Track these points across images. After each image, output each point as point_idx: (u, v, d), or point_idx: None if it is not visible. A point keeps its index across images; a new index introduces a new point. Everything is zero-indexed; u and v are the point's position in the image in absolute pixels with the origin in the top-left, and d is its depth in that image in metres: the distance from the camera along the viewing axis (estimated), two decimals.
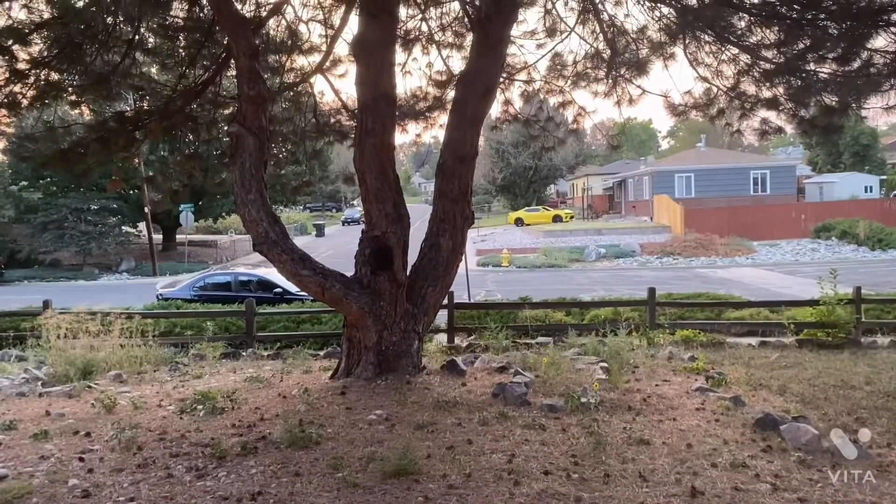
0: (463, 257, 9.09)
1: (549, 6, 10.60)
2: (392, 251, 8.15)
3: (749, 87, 9.36)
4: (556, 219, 52.23)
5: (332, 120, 12.14)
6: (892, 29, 7.13)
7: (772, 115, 9.43)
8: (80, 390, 8.21)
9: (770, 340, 11.35)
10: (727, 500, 4.60)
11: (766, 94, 9.12)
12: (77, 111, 11.72)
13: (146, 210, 33.17)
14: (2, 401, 7.96)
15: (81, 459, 5.61)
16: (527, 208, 56.09)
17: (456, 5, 11.16)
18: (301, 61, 11.70)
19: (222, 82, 10.88)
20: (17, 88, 8.81)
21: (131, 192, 35.89)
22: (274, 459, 5.51)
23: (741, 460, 5.33)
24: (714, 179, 44.86)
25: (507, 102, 12.32)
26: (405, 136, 12.65)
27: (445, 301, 10.88)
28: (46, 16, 8.36)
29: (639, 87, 10.35)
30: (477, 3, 9.51)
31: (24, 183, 35.84)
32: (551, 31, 10.81)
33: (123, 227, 37.47)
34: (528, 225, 50.39)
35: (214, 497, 4.77)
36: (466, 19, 10.66)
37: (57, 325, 9.50)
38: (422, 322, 8.59)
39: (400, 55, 11.15)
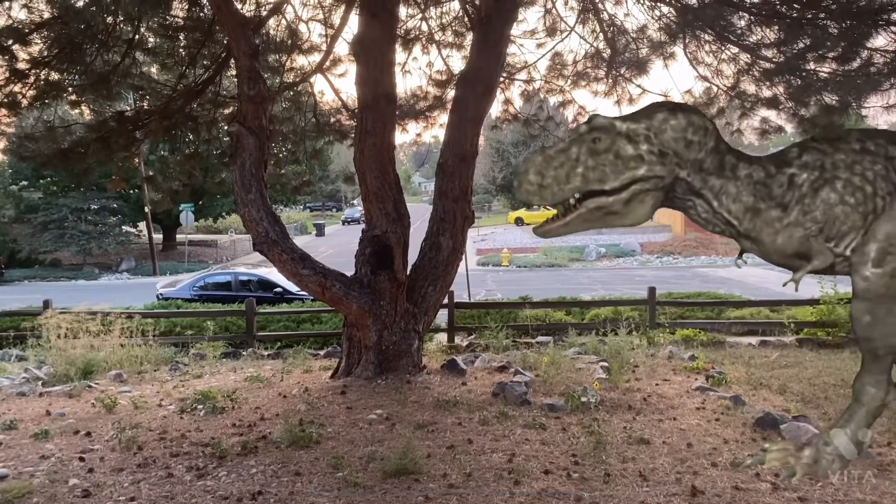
0: (463, 257, 9.09)
1: (549, 5, 10.60)
2: (392, 251, 8.15)
3: (749, 87, 9.36)
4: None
5: (333, 119, 12.15)
6: (893, 28, 7.12)
7: (772, 115, 9.43)
8: (81, 390, 8.21)
9: (770, 339, 11.36)
10: (727, 500, 4.60)
11: (766, 93, 9.12)
12: (77, 111, 11.72)
13: (146, 210, 33.17)
14: (2, 400, 7.96)
15: (82, 459, 5.61)
16: (527, 208, 56.06)
17: (456, 4, 11.17)
18: (301, 61, 11.71)
19: (222, 82, 10.88)
20: (17, 88, 8.81)
21: (131, 191, 35.89)
22: (274, 459, 5.51)
23: (742, 459, 5.33)
24: None
25: (508, 102, 12.33)
26: (405, 136, 12.68)
27: (445, 300, 10.89)
28: (46, 15, 8.37)
29: (639, 86, 10.36)
30: (477, 2, 9.51)
31: (25, 183, 35.86)
32: (551, 31, 10.81)
33: (124, 227, 37.48)
34: (529, 224, 50.38)
35: (215, 497, 4.77)
36: (466, 19, 10.67)
37: (57, 324, 9.50)
38: (422, 321, 8.59)
39: (400, 54, 11.16)
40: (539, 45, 11.09)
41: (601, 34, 10.25)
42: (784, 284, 2.89)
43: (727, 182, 2.83)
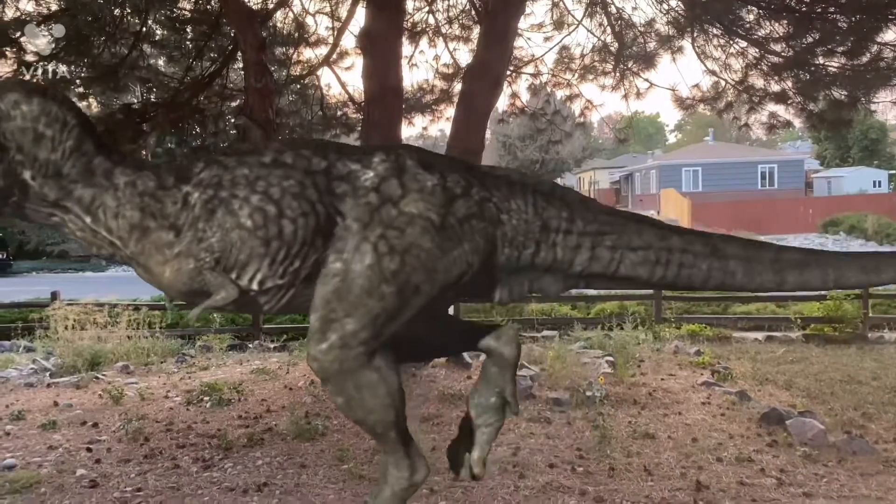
0: None
1: None
2: None
3: (757, 81, 9.33)
4: None
5: (339, 112, 12.15)
6: None
7: (780, 109, 9.42)
8: (88, 381, 8.25)
9: (776, 335, 11.32)
10: (732, 495, 4.60)
11: (775, 87, 9.09)
12: (84, 103, 11.75)
13: None
14: (10, 391, 8.01)
15: (89, 450, 5.64)
16: None
17: None
18: (308, 54, 11.72)
19: (229, 74, 10.88)
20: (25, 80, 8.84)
21: None
22: (280, 451, 5.53)
23: (747, 455, 5.32)
24: (722, 173, 44.64)
25: (515, 95, 12.31)
26: (412, 129, 12.81)
27: None
28: (54, 8, 8.39)
29: (646, 80, 10.36)
30: None
31: None
32: (559, 24, 10.80)
33: None
34: None
35: (221, 488, 4.80)
36: (473, 12, 10.63)
37: (65, 316, 9.54)
38: None
39: (407, 48, 11.15)
40: (546, 39, 11.09)
41: (609, 28, 10.22)
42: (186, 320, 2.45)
43: (102, 192, 2.21)
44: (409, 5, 10.47)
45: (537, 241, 2.46)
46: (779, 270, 2.54)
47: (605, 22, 10.21)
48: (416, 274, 2.25)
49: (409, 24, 10.86)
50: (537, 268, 2.54)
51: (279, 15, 10.65)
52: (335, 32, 10.95)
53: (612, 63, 10.58)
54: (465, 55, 11.85)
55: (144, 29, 9.61)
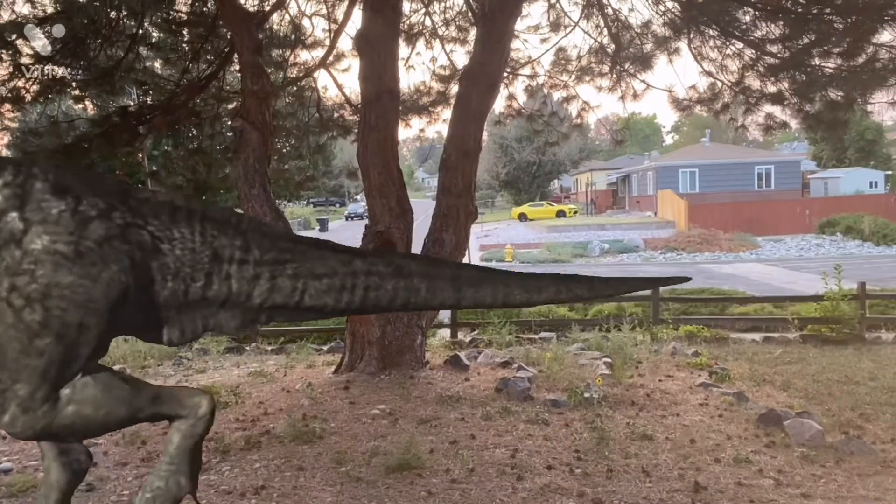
0: (466, 253, 9.08)
1: (553, 0, 10.58)
2: (395, 246, 8.15)
3: (754, 82, 9.34)
4: (560, 214, 52.13)
5: (336, 115, 12.16)
6: None
7: (776, 110, 9.42)
8: None
9: (774, 336, 11.33)
10: (730, 496, 4.59)
11: (771, 88, 9.10)
12: (81, 106, 11.75)
13: None
14: None
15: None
16: (530, 203, 55.94)
17: None
18: (304, 56, 11.74)
19: (226, 77, 10.88)
20: (20, 83, 8.83)
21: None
22: (277, 454, 5.52)
23: (744, 456, 5.32)
24: (718, 174, 44.72)
25: (511, 97, 12.33)
26: (409, 131, 12.86)
27: None
28: (50, 10, 8.38)
29: (643, 81, 10.37)
30: None
31: None
32: (555, 26, 10.82)
33: None
34: (532, 220, 50.29)
35: (218, 491, 4.78)
36: (470, 14, 10.65)
37: None
38: (425, 317, 8.59)
39: (403, 50, 11.15)
40: (543, 41, 11.10)
41: (605, 29, 10.24)
42: None
43: None
44: (406, 7, 10.49)
45: (208, 272, 2.24)
46: (458, 287, 2.50)
47: (602, 23, 10.23)
48: (69, 314, 2.00)
49: (405, 26, 10.87)
50: (211, 302, 2.31)
51: (276, 17, 10.65)
52: (332, 35, 10.95)
53: (609, 65, 10.61)
54: (461, 57, 11.88)
55: (141, 31, 9.60)
